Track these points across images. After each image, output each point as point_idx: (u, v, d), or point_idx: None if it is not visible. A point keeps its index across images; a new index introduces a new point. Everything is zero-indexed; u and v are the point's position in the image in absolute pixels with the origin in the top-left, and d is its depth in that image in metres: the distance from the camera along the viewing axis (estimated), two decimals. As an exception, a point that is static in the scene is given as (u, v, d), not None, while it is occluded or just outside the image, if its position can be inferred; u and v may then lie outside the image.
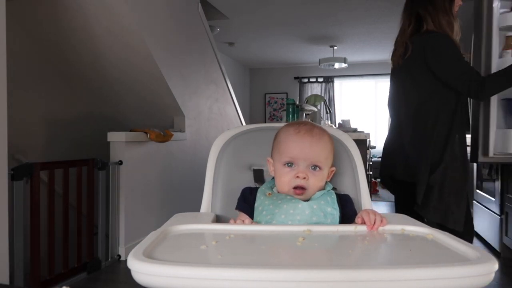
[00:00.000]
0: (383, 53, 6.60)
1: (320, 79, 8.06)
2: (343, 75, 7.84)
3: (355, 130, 3.03)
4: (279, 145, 1.01)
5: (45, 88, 3.06)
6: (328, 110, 6.05)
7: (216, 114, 4.07)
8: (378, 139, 7.17)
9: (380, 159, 2.04)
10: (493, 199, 2.92)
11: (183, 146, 3.45)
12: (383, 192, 5.72)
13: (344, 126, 3.74)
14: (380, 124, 7.52)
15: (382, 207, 4.87)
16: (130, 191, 2.82)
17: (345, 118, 5.75)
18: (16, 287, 1.84)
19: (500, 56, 2.17)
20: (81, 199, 2.52)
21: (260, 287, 0.58)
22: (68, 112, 3.29)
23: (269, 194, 1.00)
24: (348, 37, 5.89)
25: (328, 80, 8.00)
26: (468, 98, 2.21)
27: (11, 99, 1.85)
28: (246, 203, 1.01)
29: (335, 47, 6.44)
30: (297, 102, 3.77)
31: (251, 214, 0.99)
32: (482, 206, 3.17)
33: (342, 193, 1.05)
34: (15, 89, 2.40)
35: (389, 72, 1.86)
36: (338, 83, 8.07)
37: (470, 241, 1.72)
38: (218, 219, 1.08)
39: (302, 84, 8.18)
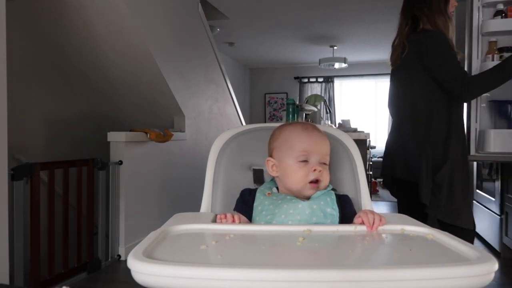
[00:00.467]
0: (383, 53, 6.60)
1: (320, 79, 8.05)
2: (343, 75, 7.84)
3: (355, 130, 3.03)
4: (288, 142, 1.01)
5: (45, 88, 3.06)
6: (328, 110, 6.05)
7: (216, 114, 4.07)
8: (378, 139, 7.17)
9: (380, 159, 2.04)
10: (493, 199, 2.92)
11: (183, 146, 3.45)
12: (383, 192, 5.71)
13: (344, 126, 3.74)
14: (380, 124, 7.52)
15: (382, 207, 4.87)
16: (130, 191, 2.82)
17: (345, 118, 5.74)
18: (16, 287, 1.84)
19: (484, 60, 2.24)
20: (81, 199, 2.52)
21: (260, 287, 0.58)
22: (68, 112, 3.29)
23: (269, 194, 1.00)
24: (348, 37, 5.89)
25: (328, 80, 8.00)
26: None
27: (11, 99, 1.85)
28: (244, 204, 1.01)
29: (335, 47, 6.44)
30: (297, 102, 3.78)
31: (249, 215, 0.99)
32: (482, 206, 3.17)
33: (342, 193, 1.05)
34: (15, 89, 2.40)
35: (389, 72, 1.87)
36: (338, 83, 8.07)
37: (471, 241, 1.72)
38: (218, 219, 1.08)
39: (302, 84, 8.18)
